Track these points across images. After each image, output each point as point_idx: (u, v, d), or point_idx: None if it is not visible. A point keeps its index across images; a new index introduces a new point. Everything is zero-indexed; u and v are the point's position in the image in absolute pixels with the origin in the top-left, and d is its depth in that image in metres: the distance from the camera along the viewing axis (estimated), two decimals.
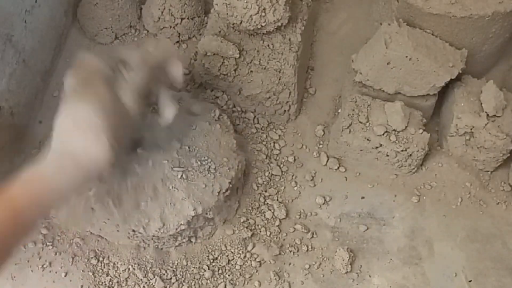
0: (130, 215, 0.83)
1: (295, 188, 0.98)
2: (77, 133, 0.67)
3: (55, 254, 0.90)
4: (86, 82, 0.72)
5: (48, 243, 0.91)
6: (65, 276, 0.89)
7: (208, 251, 0.91)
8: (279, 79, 0.97)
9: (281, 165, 0.99)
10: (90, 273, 0.89)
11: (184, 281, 0.88)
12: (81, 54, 0.77)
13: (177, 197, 0.83)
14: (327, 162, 1.00)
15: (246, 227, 0.92)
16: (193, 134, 0.88)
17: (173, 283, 0.88)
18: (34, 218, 0.66)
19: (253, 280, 0.90)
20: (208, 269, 0.89)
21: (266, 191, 0.96)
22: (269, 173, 0.98)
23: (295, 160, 1.00)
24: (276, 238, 0.93)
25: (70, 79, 0.72)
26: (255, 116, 1.03)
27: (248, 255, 0.91)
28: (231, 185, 0.87)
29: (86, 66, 0.74)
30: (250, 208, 0.94)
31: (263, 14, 0.92)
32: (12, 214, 0.62)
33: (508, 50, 1.08)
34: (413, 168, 0.98)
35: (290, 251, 0.92)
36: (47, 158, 0.67)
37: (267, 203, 0.95)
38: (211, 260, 0.90)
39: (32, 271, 0.90)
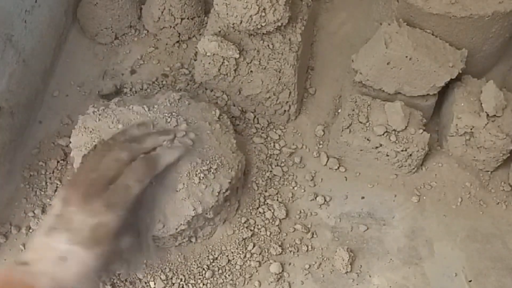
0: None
1: (295, 188, 0.98)
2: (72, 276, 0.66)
3: None
4: (92, 223, 0.68)
5: None
6: None
7: (208, 251, 0.91)
8: (279, 79, 0.97)
9: (282, 165, 0.99)
10: None
11: (184, 281, 0.88)
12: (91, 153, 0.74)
13: (177, 197, 0.83)
14: (327, 162, 1.00)
15: (246, 227, 0.92)
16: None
17: (173, 283, 0.88)
18: None
19: (253, 280, 0.90)
20: (208, 269, 0.89)
21: (266, 191, 0.96)
22: (269, 173, 0.98)
23: (295, 160, 1.00)
24: (276, 238, 0.93)
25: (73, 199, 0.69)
26: (255, 116, 1.03)
27: (248, 255, 0.91)
28: (231, 185, 0.87)
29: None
30: (250, 208, 0.94)
31: (263, 14, 0.92)
32: None
33: (508, 50, 1.08)
34: (413, 168, 0.98)
35: (290, 251, 0.92)
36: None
37: (267, 203, 0.95)
38: (211, 260, 0.90)
39: None
